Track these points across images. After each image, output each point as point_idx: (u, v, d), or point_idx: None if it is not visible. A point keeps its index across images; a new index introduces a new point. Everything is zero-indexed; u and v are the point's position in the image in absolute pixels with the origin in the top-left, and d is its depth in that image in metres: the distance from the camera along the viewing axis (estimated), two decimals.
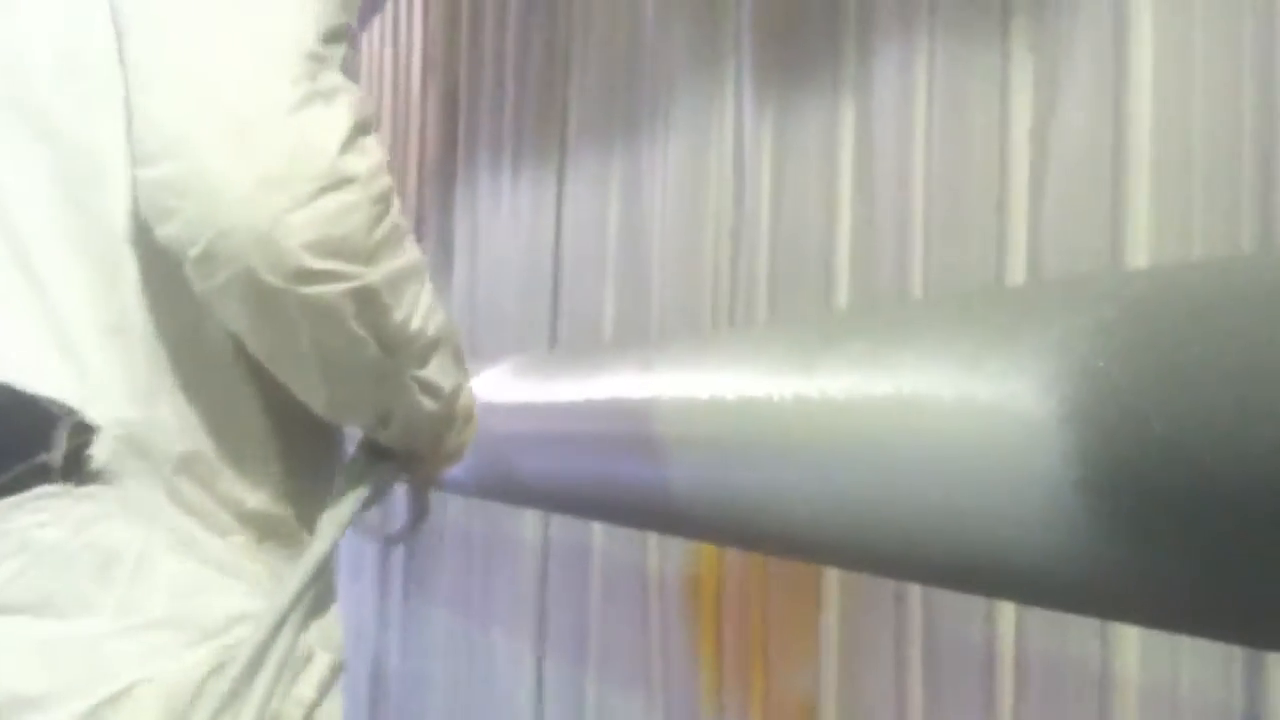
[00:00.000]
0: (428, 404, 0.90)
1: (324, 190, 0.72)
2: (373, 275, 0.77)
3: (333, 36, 0.77)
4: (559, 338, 2.60)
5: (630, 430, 1.25)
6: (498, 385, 1.73)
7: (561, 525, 2.46)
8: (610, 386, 1.36)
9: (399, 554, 3.39)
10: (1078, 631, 1.21)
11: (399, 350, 0.84)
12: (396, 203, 0.80)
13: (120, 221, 0.82)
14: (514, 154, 2.90)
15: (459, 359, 0.96)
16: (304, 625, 0.89)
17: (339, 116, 0.74)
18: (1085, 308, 0.74)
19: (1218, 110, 1.23)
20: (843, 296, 1.72)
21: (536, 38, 2.81)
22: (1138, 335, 0.69)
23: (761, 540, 1.19)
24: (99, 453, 0.80)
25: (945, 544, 0.85)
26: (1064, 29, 1.42)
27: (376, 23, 4.12)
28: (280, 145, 0.71)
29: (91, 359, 0.81)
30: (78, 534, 0.80)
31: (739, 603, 1.90)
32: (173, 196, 0.73)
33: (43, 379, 0.81)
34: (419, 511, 1.19)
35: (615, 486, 1.36)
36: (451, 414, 0.96)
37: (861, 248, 1.69)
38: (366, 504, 0.96)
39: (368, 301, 0.78)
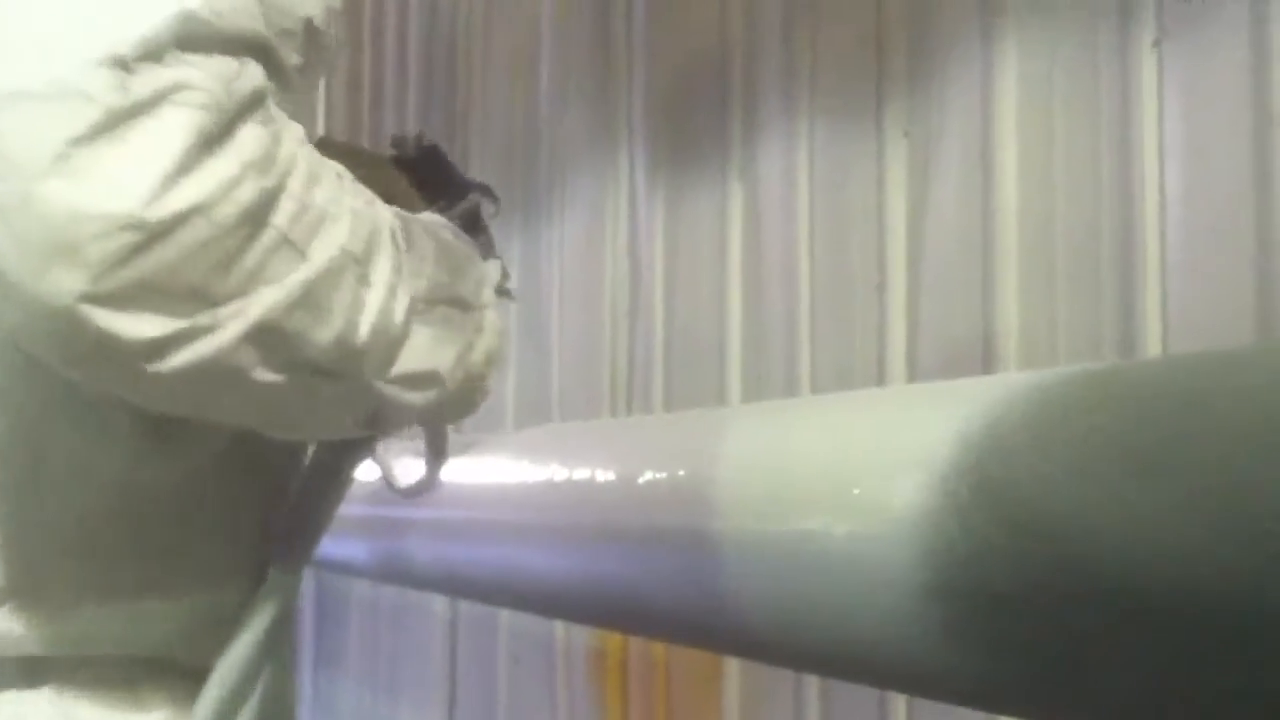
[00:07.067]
0: (415, 397, 0.73)
1: (143, 244, 0.56)
2: (256, 308, 0.60)
3: (187, 42, 0.58)
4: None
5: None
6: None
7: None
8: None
9: (306, 624, 3.34)
10: (966, 713, 1.25)
11: (352, 370, 0.67)
12: (291, 197, 0.61)
13: None
14: None
15: (461, 310, 0.79)
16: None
17: (158, 137, 0.56)
18: (941, 417, 0.78)
19: (1079, 195, 1.29)
20: (735, 375, 1.76)
21: (436, 114, 2.84)
22: (983, 447, 0.73)
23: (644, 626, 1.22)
24: None
25: (817, 635, 0.89)
26: (935, 116, 1.48)
27: None
28: (57, 207, 0.54)
29: None
30: None
31: (644, 676, 1.92)
32: None
33: None
34: (437, 456, 1.01)
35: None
36: (468, 372, 0.80)
37: (752, 328, 1.73)
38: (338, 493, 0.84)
39: (269, 339, 0.62)
